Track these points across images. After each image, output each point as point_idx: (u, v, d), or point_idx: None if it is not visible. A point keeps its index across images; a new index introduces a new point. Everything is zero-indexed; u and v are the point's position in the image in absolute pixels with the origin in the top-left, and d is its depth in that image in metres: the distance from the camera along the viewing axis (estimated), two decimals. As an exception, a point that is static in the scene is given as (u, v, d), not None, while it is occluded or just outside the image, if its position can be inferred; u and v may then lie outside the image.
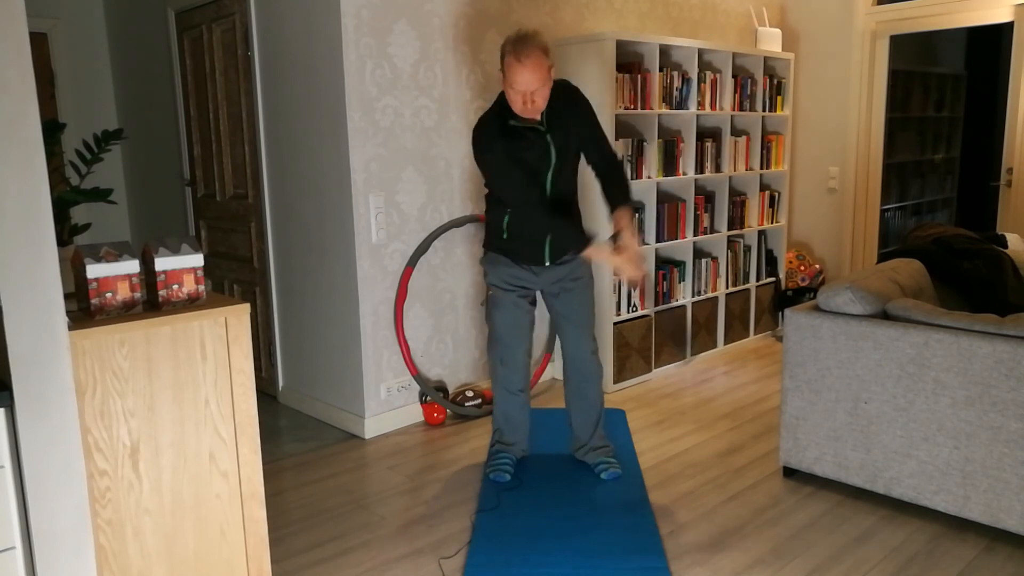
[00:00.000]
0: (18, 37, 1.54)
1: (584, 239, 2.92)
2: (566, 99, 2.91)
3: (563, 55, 4.17)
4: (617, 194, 2.98)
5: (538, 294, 3.33)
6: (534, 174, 2.89)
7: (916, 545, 2.63)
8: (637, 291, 3.02)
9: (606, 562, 2.53)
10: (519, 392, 3.16)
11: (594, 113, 2.97)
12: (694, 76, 4.49)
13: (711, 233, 4.83)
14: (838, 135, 5.52)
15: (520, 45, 2.71)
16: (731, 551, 2.62)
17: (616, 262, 2.89)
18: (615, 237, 2.93)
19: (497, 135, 2.84)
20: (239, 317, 1.99)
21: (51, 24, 4.98)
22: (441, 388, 3.89)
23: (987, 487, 2.60)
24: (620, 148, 4.15)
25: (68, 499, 1.70)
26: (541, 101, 2.77)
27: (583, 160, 3.03)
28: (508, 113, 2.85)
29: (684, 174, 4.58)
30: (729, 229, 4.92)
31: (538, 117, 2.85)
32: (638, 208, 4.36)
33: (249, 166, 4.09)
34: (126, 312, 1.89)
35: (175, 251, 1.94)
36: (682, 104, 4.50)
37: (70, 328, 1.73)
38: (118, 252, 1.87)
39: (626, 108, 4.16)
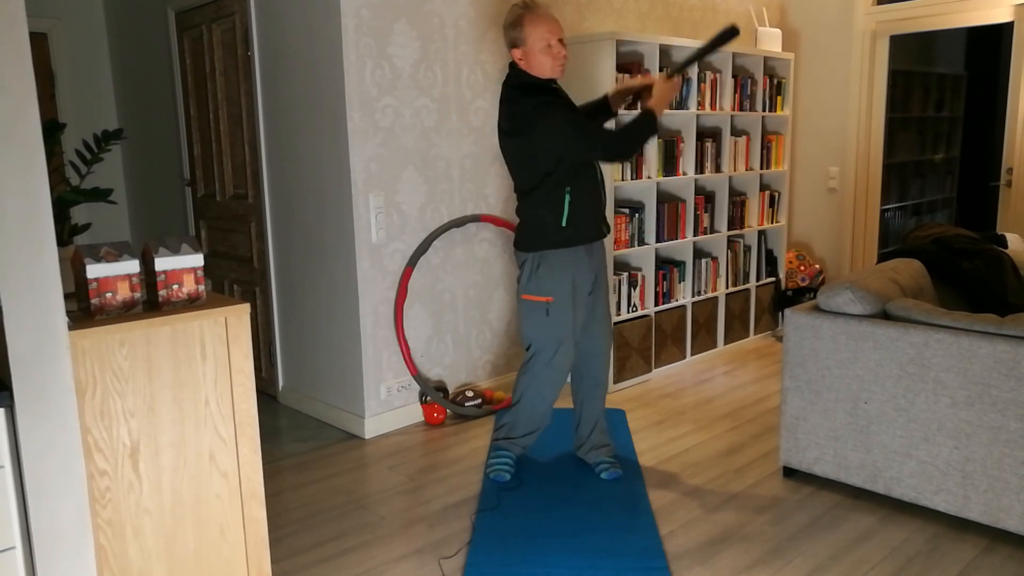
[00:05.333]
0: (18, 37, 1.54)
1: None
2: None
3: (563, 55, 4.17)
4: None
5: None
6: None
7: (916, 545, 2.63)
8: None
9: (606, 562, 2.53)
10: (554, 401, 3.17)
11: None
12: (694, 76, 4.49)
13: (711, 233, 4.83)
14: (838, 135, 5.52)
15: (534, 5, 2.85)
16: (731, 551, 2.62)
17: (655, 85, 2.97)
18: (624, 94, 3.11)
19: (557, 94, 2.90)
20: (239, 317, 1.99)
21: (51, 24, 4.98)
22: (441, 388, 3.89)
23: (987, 487, 2.60)
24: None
25: (68, 499, 1.70)
26: (566, 50, 2.88)
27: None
28: (541, 82, 2.88)
29: (684, 174, 4.58)
30: (729, 229, 4.92)
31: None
32: (637, 209, 4.36)
33: (249, 166, 4.09)
34: (126, 312, 1.89)
35: (175, 251, 1.94)
36: (682, 104, 4.50)
37: (70, 328, 1.73)
38: (118, 252, 1.87)
39: (626, 108, 4.15)
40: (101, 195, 2.13)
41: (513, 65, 2.91)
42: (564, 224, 2.88)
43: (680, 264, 4.63)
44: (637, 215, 4.32)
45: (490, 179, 4.01)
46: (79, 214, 5.12)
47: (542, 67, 2.84)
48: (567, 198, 2.86)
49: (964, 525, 2.74)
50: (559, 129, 2.78)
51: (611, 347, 3.17)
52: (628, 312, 4.33)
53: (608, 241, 4.10)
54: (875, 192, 5.50)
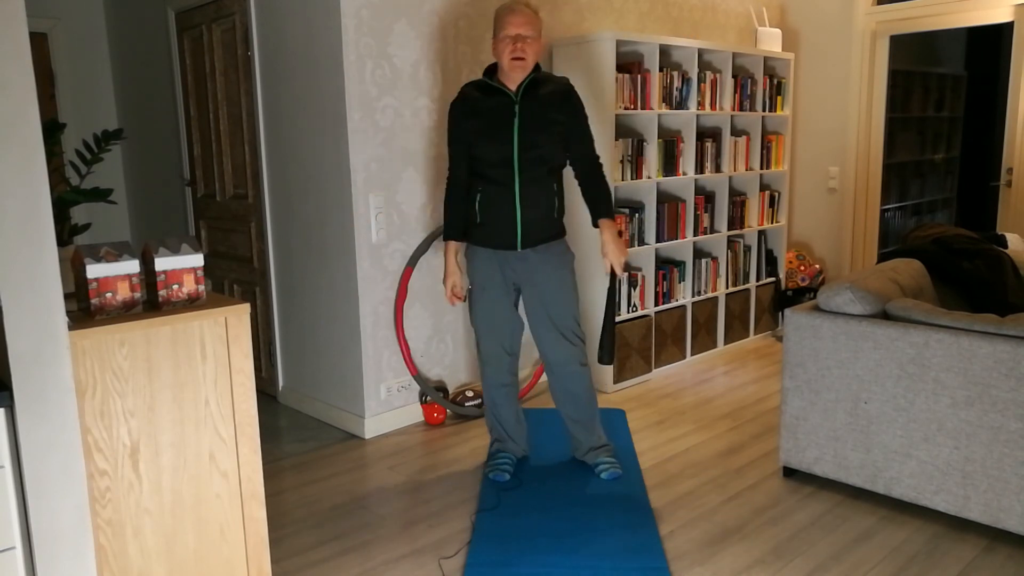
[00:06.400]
0: (18, 37, 1.54)
1: (556, 231, 3.04)
2: (557, 87, 2.99)
3: (563, 55, 4.18)
4: (598, 204, 3.06)
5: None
6: (499, 142, 2.91)
7: (916, 545, 2.63)
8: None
9: (606, 562, 2.53)
10: (501, 387, 3.15)
11: (584, 112, 3.03)
12: (694, 76, 4.50)
13: (711, 233, 4.83)
14: (838, 135, 5.52)
15: (513, 2, 2.92)
16: (731, 551, 2.62)
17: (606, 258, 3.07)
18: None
19: (472, 91, 2.99)
20: (239, 317, 1.99)
21: (51, 24, 4.98)
22: (441, 388, 3.89)
23: (987, 487, 2.60)
24: (620, 148, 4.15)
25: (68, 499, 1.70)
26: (531, 54, 2.89)
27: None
28: (488, 76, 2.99)
29: (684, 174, 4.58)
30: (729, 229, 4.92)
31: (526, 71, 2.91)
32: (637, 209, 4.36)
33: (249, 166, 4.09)
34: (126, 312, 1.89)
35: (175, 251, 1.94)
36: (682, 104, 4.50)
37: (70, 328, 1.73)
38: (118, 252, 1.87)
39: (626, 108, 4.16)
40: (101, 195, 2.13)
41: None
42: (478, 220, 3.00)
43: (680, 264, 4.63)
44: (637, 215, 4.32)
45: (490, 179, 4.01)
46: (79, 214, 5.12)
47: (498, 56, 2.92)
48: (478, 197, 2.98)
49: (964, 525, 2.74)
50: (452, 125, 3.01)
51: (573, 358, 3.05)
52: (628, 312, 4.33)
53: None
54: (875, 192, 5.50)
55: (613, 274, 3.06)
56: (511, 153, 2.90)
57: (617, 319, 4.24)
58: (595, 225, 3.04)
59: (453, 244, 3.05)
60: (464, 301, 2.97)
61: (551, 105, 2.93)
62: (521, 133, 2.89)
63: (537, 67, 2.96)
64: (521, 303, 3.11)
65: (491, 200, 2.95)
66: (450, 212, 3.05)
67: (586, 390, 3.12)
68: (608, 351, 3.08)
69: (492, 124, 2.91)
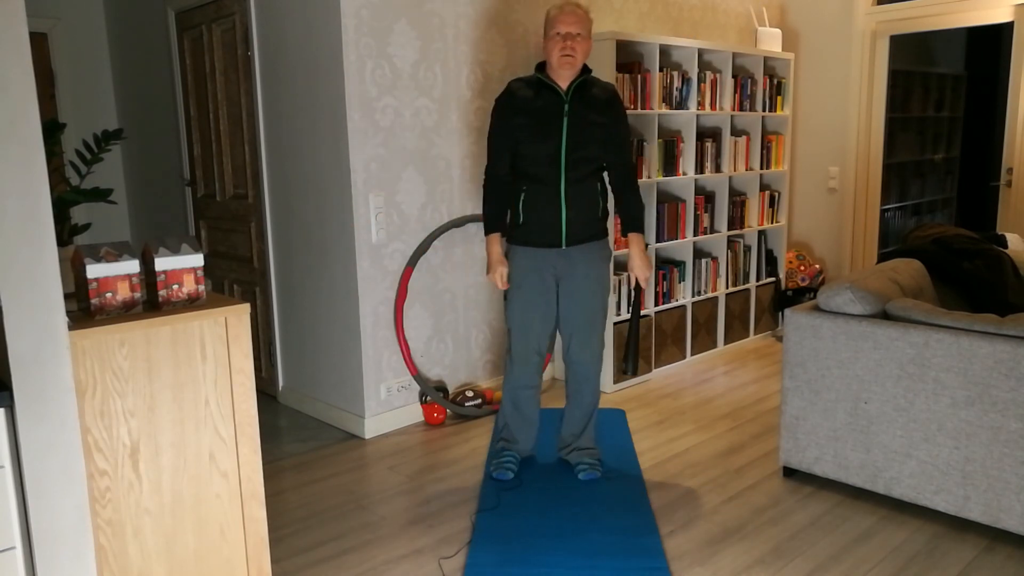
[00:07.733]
0: (18, 37, 1.54)
1: (600, 231, 3.05)
2: (604, 90, 3.02)
3: (563, 55, 4.17)
4: (629, 216, 3.10)
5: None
6: (546, 140, 2.92)
7: (916, 545, 2.63)
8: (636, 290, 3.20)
9: (606, 562, 2.53)
10: (528, 388, 3.15)
11: (626, 119, 3.07)
12: (694, 76, 4.50)
13: (711, 233, 4.83)
14: (838, 135, 5.52)
15: (565, 2, 2.94)
16: (731, 551, 2.62)
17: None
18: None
19: (521, 87, 3.00)
20: (239, 317, 1.99)
21: (51, 24, 4.98)
22: (441, 388, 3.89)
23: (987, 487, 2.60)
24: (620, 148, 4.15)
25: (68, 499, 1.70)
26: (580, 52, 2.90)
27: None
28: (539, 73, 3.00)
29: (684, 174, 4.58)
30: (729, 229, 4.92)
31: (575, 68, 2.92)
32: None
33: (249, 166, 4.09)
34: (126, 312, 1.89)
35: (175, 251, 1.94)
36: (682, 104, 4.50)
37: (70, 328, 1.73)
38: (118, 252, 1.87)
39: (626, 108, 4.15)
40: (101, 195, 2.13)
41: None
42: (521, 220, 3.02)
43: (680, 264, 4.63)
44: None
45: (490, 179, 4.01)
46: (79, 214, 5.12)
47: (547, 53, 2.95)
48: (522, 196, 3.00)
49: (964, 525, 2.74)
50: (499, 121, 3.01)
51: (594, 359, 3.11)
52: (628, 312, 4.33)
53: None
54: (875, 192, 5.50)
55: (638, 287, 3.15)
56: (558, 152, 2.92)
57: (618, 320, 4.24)
58: (624, 235, 3.11)
59: (496, 236, 3.07)
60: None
61: (597, 108, 2.96)
62: (569, 133, 2.92)
63: (587, 69, 2.98)
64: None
65: (536, 199, 2.97)
66: (491, 207, 3.07)
67: (594, 392, 3.17)
68: (633, 361, 3.12)
69: (541, 122, 2.93)
